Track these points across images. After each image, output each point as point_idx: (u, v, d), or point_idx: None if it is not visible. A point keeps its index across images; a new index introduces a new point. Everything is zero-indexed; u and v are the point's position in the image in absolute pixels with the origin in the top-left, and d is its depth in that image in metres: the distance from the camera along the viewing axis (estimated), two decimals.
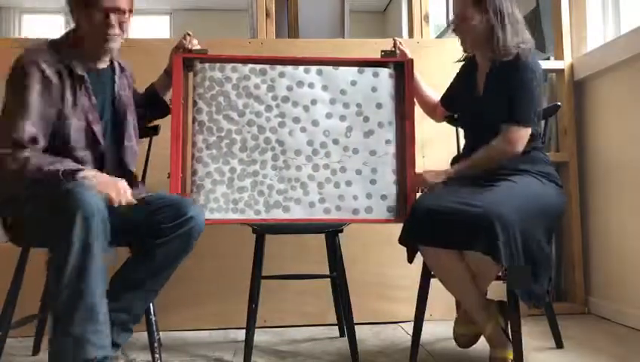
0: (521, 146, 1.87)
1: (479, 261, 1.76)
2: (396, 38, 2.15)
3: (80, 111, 1.73)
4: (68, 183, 1.55)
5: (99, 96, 1.79)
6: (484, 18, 1.89)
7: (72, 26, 1.79)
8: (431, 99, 2.21)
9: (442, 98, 2.19)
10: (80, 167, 1.65)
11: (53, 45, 1.75)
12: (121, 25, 1.75)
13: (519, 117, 1.86)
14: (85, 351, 1.48)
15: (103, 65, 1.83)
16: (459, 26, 1.95)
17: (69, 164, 1.64)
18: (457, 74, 2.16)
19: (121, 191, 1.64)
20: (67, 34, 1.80)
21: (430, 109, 2.23)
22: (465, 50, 2.04)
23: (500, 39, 1.87)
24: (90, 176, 1.61)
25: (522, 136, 1.87)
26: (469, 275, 1.80)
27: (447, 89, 2.18)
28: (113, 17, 1.72)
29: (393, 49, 2.12)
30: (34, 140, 1.66)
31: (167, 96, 2.05)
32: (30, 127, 1.65)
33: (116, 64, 1.88)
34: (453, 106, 2.17)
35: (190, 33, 2.02)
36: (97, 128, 1.77)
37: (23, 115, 1.65)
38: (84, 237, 1.47)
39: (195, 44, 2.01)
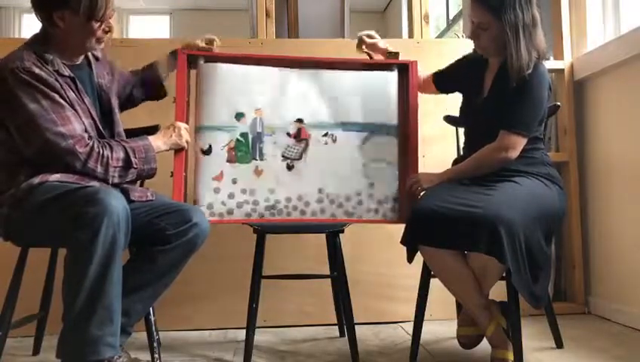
0: (515, 153, 1.85)
1: (484, 262, 1.76)
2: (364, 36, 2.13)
3: (86, 110, 1.73)
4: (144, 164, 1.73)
5: (87, 91, 1.77)
6: (500, 29, 1.85)
7: (42, 23, 1.70)
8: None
9: (437, 74, 2.16)
10: (144, 139, 1.79)
11: (33, 48, 1.68)
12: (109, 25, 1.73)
13: (518, 124, 1.85)
14: (101, 352, 1.50)
15: (81, 59, 1.80)
16: (474, 31, 1.92)
17: (136, 142, 1.75)
18: (464, 60, 2.11)
19: (182, 136, 1.86)
20: (45, 35, 1.71)
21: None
22: (479, 54, 2.02)
23: (513, 56, 1.82)
24: (155, 145, 1.79)
25: (518, 143, 1.85)
26: (471, 275, 1.80)
27: (447, 68, 2.15)
28: (110, 21, 1.71)
29: (397, 51, 2.11)
30: (85, 131, 1.67)
31: (166, 80, 2.05)
32: (75, 125, 1.65)
33: (89, 54, 1.84)
34: (446, 87, 2.16)
35: (216, 40, 2.00)
36: (99, 123, 1.76)
37: (58, 119, 1.62)
38: (110, 242, 1.48)
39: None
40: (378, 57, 2.14)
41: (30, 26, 7.36)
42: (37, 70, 1.63)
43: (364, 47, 2.14)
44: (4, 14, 7.38)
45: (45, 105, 1.62)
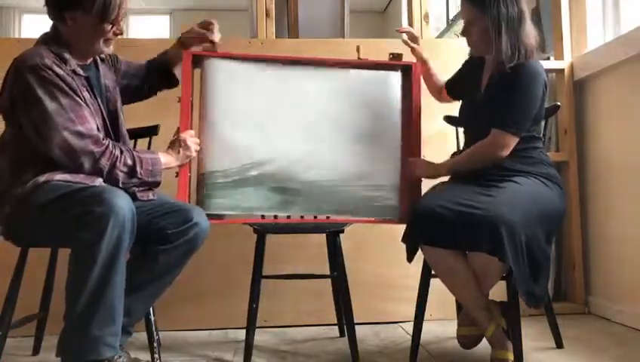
0: (505, 152, 1.85)
1: (484, 262, 1.76)
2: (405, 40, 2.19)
3: (98, 110, 1.73)
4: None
5: (96, 91, 1.77)
6: (486, 24, 1.86)
7: (53, 22, 1.72)
8: (438, 81, 2.22)
9: (447, 83, 2.19)
10: (154, 153, 1.78)
11: (48, 47, 1.68)
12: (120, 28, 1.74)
13: (508, 123, 1.85)
14: (101, 352, 1.50)
15: (90, 60, 1.80)
16: (465, 28, 1.94)
17: (144, 154, 1.75)
18: (466, 63, 2.14)
19: (190, 148, 1.84)
20: (56, 33, 1.72)
21: (436, 92, 2.24)
22: (472, 53, 2.03)
23: (496, 50, 1.85)
24: (165, 161, 1.78)
25: (508, 142, 1.85)
26: (471, 275, 1.80)
27: (454, 75, 2.18)
28: (121, 24, 1.72)
29: (400, 52, 2.12)
30: (98, 130, 1.68)
31: (177, 68, 2.02)
32: (92, 124, 1.65)
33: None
34: (455, 93, 2.17)
35: (214, 23, 2.00)
36: (108, 124, 1.77)
37: (77, 117, 1.63)
38: (115, 243, 1.49)
39: (218, 37, 1.99)
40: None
41: (30, 26, 7.37)
42: (57, 68, 1.63)
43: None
44: (4, 14, 7.37)
45: (64, 104, 1.61)
